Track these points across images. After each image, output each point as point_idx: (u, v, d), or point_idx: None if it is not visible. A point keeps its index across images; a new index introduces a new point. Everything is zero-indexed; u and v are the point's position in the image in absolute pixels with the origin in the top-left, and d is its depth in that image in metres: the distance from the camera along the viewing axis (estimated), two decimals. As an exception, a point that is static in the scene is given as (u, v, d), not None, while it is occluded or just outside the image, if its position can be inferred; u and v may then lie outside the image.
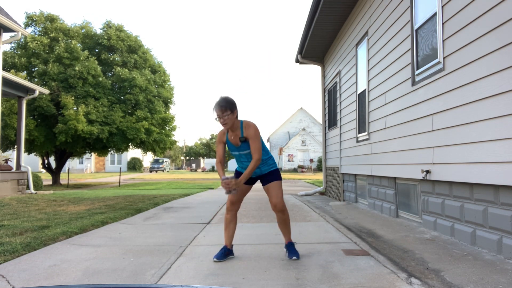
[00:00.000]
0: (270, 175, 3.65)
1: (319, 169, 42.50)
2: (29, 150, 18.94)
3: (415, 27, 5.15)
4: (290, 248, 3.60)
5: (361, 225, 5.54)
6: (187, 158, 75.54)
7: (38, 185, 13.20)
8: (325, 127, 11.36)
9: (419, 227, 5.13)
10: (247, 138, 3.46)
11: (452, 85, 4.19)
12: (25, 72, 18.97)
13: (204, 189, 14.09)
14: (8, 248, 3.89)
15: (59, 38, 19.17)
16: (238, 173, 3.68)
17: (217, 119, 3.42)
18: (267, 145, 50.57)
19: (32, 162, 27.95)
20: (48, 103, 17.92)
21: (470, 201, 4.01)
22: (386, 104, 6.18)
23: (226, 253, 3.56)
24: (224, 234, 3.67)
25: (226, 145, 3.63)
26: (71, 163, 44.29)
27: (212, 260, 3.50)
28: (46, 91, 13.42)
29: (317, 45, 10.26)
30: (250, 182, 3.68)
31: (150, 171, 50.32)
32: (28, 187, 11.76)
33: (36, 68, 18.93)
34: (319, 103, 30.96)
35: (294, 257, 3.51)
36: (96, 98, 19.38)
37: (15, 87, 11.80)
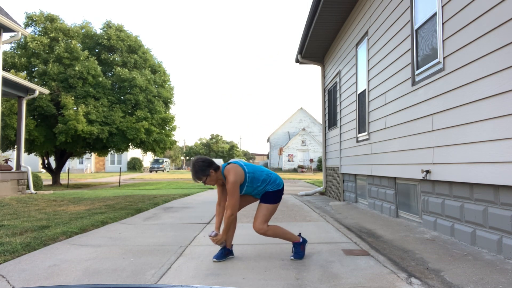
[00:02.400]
0: (263, 196, 3.60)
1: (319, 169, 42.49)
2: (29, 150, 18.93)
3: (415, 27, 5.15)
4: (295, 249, 3.61)
5: (361, 225, 5.54)
6: (187, 158, 75.55)
7: (38, 185, 13.19)
8: (325, 127, 11.36)
9: (419, 227, 5.13)
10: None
11: (452, 85, 4.19)
12: (25, 72, 18.96)
13: (204, 189, 14.09)
14: (8, 248, 3.89)
15: (59, 38, 19.17)
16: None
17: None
18: (267, 145, 50.57)
19: (32, 162, 27.93)
20: (48, 103, 17.91)
21: (470, 201, 4.01)
22: (386, 104, 6.18)
23: (225, 253, 3.57)
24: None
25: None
26: (71, 163, 44.29)
27: (212, 260, 3.50)
28: (46, 91, 13.41)
29: (317, 45, 10.26)
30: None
31: (150, 171, 50.29)
32: (28, 187, 11.76)
33: (36, 68, 18.92)
34: (319, 103, 30.94)
35: (291, 257, 3.55)
36: (96, 98, 19.38)
37: (15, 87, 11.79)
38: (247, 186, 3.51)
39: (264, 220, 3.52)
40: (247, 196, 3.69)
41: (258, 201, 3.66)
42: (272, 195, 3.57)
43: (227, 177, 3.42)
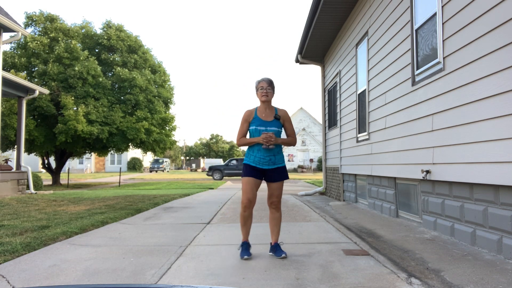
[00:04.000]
0: (281, 171, 3.74)
1: (319, 169, 42.49)
2: (29, 150, 18.92)
3: (415, 27, 5.15)
4: (278, 248, 3.70)
5: (361, 225, 5.54)
6: (187, 158, 75.55)
7: (38, 185, 13.19)
8: (325, 127, 11.36)
9: (419, 227, 5.13)
10: (280, 118, 3.74)
11: (452, 85, 4.19)
12: (25, 72, 18.95)
13: (204, 189, 14.09)
14: (8, 248, 3.89)
15: (59, 38, 19.16)
16: (249, 167, 3.69)
17: (261, 89, 3.68)
18: (267, 145, 50.50)
19: (32, 162, 27.94)
20: (48, 103, 17.90)
21: (470, 201, 4.01)
22: (386, 104, 6.18)
23: (249, 247, 3.67)
24: (242, 231, 3.73)
25: (250, 125, 3.71)
26: (71, 163, 44.28)
27: (243, 258, 3.52)
28: (46, 91, 13.41)
29: (317, 45, 10.27)
30: (260, 176, 3.70)
31: (150, 171, 50.30)
32: (28, 187, 11.76)
33: (36, 68, 18.91)
34: (319, 103, 30.96)
35: (283, 255, 3.60)
36: (96, 98, 19.37)
37: (15, 87, 11.79)
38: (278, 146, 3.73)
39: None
40: (257, 181, 3.70)
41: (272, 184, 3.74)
42: (286, 169, 3.79)
43: (282, 111, 3.76)
